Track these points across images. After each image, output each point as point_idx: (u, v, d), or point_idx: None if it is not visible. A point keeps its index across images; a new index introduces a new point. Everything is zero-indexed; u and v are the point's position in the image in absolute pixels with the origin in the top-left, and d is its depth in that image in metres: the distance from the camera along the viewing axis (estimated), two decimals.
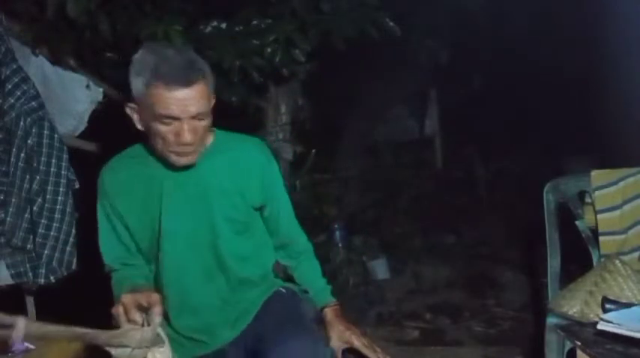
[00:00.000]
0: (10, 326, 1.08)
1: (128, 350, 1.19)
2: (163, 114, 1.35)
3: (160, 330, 1.24)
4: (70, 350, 2.11)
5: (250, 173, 1.55)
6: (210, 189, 1.51)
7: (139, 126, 1.44)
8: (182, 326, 1.59)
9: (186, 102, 1.34)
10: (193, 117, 1.37)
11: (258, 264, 1.64)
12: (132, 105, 1.42)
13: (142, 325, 1.23)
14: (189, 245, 1.53)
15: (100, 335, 1.17)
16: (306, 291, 1.71)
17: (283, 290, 1.67)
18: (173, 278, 1.56)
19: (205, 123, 1.41)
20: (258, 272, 1.64)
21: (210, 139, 1.53)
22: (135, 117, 1.44)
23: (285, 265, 1.76)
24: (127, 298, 1.27)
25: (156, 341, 1.20)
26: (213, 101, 1.44)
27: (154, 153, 1.49)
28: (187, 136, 1.37)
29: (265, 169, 1.59)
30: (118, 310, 1.27)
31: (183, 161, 1.43)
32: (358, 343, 1.60)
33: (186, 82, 1.33)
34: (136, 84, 1.36)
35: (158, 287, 1.58)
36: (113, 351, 1.19)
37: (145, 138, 1.51)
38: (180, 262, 1.54)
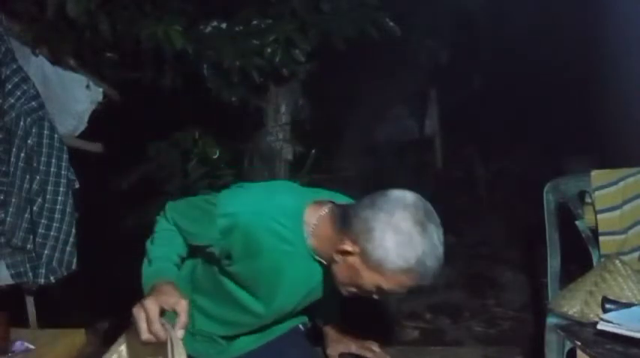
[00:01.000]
0: None
1: None
2: (392, 291, 1.26)
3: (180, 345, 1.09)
4: (70, 349, 2.11)
5: None
6: (319, 286, 1.46)
7: (340, 261, 1.29)
8: (203, 329, 1.58)
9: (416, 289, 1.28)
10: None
11: None
12: (356, 249, 1.25)
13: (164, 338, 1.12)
14: (272, 315, 1.51)
15: None
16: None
17: (302, 328, 1.69)
18: (222, 308, 1.50)
19: None
20: None
21: None
22: (350, 259, 1.27)
23: None
24: (151, 303, 1.15)
25: None
26: None
27: (305, 238, 1.36)
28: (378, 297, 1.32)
29: None
30: (140, 314, 1.15)
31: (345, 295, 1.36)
32: (356, 346, 1.61)
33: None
34: (392, 259, 1.21)
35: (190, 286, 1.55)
36: None
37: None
38: (250, 310, 1.48)
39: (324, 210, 1.35)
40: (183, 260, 1.48)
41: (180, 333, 1.13)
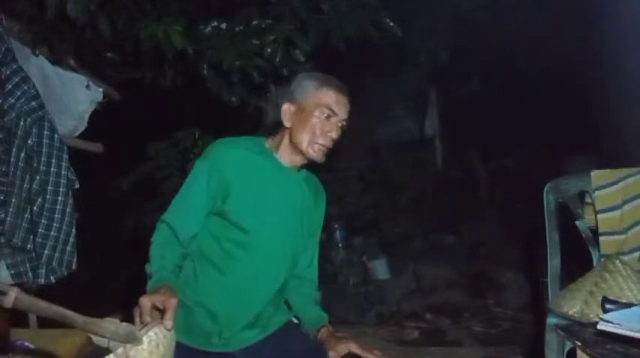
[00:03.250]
0: (3, 293, 1.12)
1: (106, 339, 1.21)
2: (330, 107, 1.65)
3: (151, 333, 1.23)
4: (70, 349, 2.11)
5: (320, 207, 1.80)
6: (301, 207, 1.71)
7: (288, 123, 1.67)
8: (202, 313, 1.64)
9: (345, 107, 1.68)
10: (342, 120, 1.68)
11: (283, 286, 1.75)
12: (292, 105, 1.67)
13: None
14: (275, 246, 1.66)
15: (78, 320, 1.17)
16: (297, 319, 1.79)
17: (296, 321, 1.78)
18: (230, 266, 1.62)
19: (340, 133, 1.69)
20: (282, 294, 1.76)
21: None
22: (290, 114, 1.67)
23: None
24: (144, 301, 1.34)
25: (130, 339, 1.19)
26: None
27: (271, 151, 1.70)
28: (335, 133, 1.66)
29: (323, 209, 1.82)
30: (135, 310, 1.35)
31: (319, 155, 1.67)
32: (356, 347, 1.63)
33: (348, 94, 1.69)
34: (307, 86, 1.67)
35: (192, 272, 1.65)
36: (94, 337, 1.21)
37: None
38: (254, 257, 1.63)
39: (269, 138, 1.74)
40: (180, 268, 1.64)
41: (169, 324, 1.28)
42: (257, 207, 1.63)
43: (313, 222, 1.77)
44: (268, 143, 1.72)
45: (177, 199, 1.66)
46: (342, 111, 1.67)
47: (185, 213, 1.64)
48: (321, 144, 1.66)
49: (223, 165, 1.63)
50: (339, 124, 1.67)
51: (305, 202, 1.73)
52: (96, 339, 1.22)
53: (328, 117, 1.65)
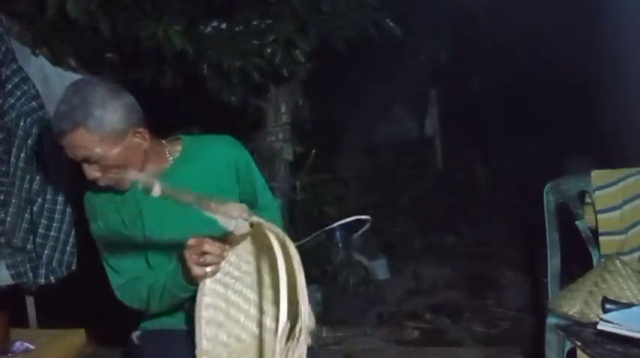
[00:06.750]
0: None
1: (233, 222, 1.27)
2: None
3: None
4: (70, 349, 2.11)
5: (224, 171, 1.61)
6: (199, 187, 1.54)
7: None
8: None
9: (70, 147, 1.45)
10: (86, 158, 1.46)
11: None
12: None
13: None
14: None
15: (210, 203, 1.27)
16: None
17: None
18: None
19: (108, 161, 1.47)
20: None
21: (178, 148, 1.64)
22: None
23: None
24: (197, 271, 1.34)
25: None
26: (120, 140, 1.48)
27: None
28: (88, 174, 1.48)
29: (239, 162, 1.64)
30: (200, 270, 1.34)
31: (117, 188, 1.54)
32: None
33: (62, 132, 1.43)
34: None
35: None
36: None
37: None
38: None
39: None
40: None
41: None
42: (139, 240, 1.56)
43: (227, 187, 1.59)
44: None
45: (109, 266, 1.61)
46: (73, 154, 1.46)
47: (122, 259, 1.60)
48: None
49: (103, 216, 1.59)
50: (90, 164, 1.47)
51: (197, 187, 1.45)
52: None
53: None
